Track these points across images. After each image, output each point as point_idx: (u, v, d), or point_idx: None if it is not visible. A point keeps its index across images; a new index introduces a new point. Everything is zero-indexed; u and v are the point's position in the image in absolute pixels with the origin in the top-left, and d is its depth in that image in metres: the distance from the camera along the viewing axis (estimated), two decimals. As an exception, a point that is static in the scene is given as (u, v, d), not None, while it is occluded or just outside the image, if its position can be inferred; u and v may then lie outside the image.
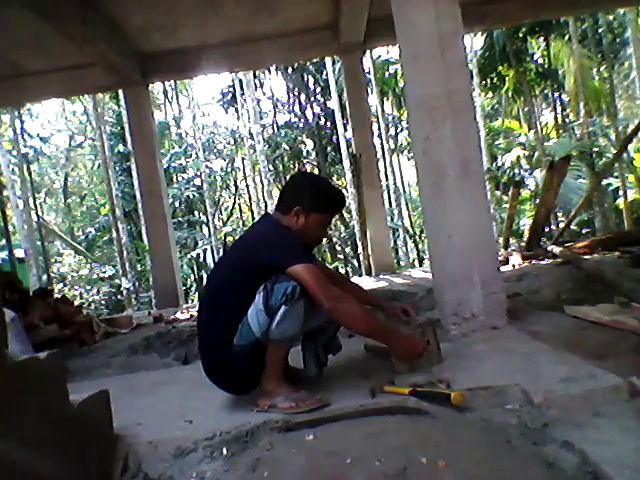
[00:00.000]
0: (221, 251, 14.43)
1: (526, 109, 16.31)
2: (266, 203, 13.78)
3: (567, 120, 16.52)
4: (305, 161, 18.22)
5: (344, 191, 12.55)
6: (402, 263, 14.87)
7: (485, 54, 14.06)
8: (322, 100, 16.99)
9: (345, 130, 13.45)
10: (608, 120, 13.98)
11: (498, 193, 15.69)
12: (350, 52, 6.79)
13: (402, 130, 18.57)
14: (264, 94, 18.41)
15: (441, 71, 2.66)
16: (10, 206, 13.21)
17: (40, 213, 18.46)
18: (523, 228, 13.75)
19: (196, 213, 18.15)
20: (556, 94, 16.67)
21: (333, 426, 1.63)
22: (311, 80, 16.92)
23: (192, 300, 13.92)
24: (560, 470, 1.30)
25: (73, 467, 1.36)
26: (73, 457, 1.38)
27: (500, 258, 4.64)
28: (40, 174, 21.06)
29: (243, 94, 15.04)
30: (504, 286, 2.84)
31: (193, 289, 16.50)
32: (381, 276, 6.40)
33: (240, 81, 14.99)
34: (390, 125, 17.88)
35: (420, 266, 14.22)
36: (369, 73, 14.09)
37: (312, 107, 17.31)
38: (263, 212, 11.96)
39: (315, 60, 14.42)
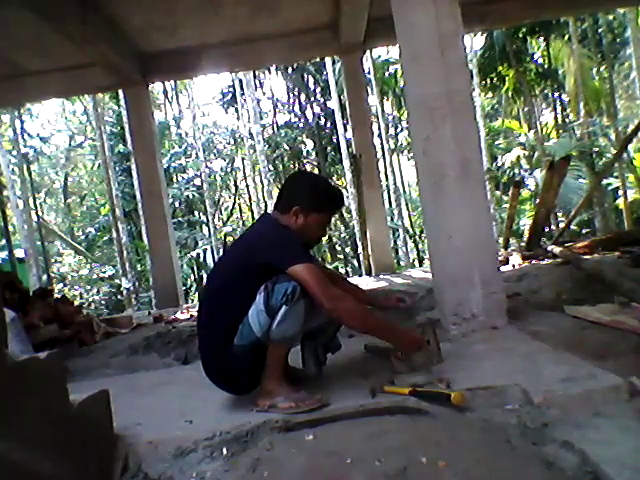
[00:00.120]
0: (221, 251, 14.42)
1: (526, 109, 16.32)
2: (266, 203, 13.78)
3: (567, 120, 16.52)
4: (305, 161, 18.21)
5: (344, 191, 12.56)
6: (402, 263, 14.87)
7: (485, 54, 14.05)
8: (322, 100, 16.99)
9: (345, 130, 13.45)
10: (608, 120, 13.98)
11: (498, 193, 15.70)
12: (350, 52, 6.78)
13: (402, 130, 18.57)
14: (264, 94, 18.45)
15: (441, 71, 2.66)
16: (10, 206, 13.20)
17: (40, 213, 18.46)
18: (523, 228, 13.76)
19: (196, 213, 18.16)
20: (556, 94, 16.68)
21: (333, 426, 1.63)
22: (311, 80, 16.92)
23: (192, 300, 13.92)
24: (560, 470, 1.30)
25: (73, 467, 1.35)
26: (73, 457, 1.38)
27: (500, 258, 4.64)
28: (40, 174, 21.05)
29: (243, 94, 15.04)
30: (504, 286, 2.84)
31: (193, 289, 16.50)
32: (381, 276, 6.40)
33: (240, 81, 14.98)
34: (390, 125, 17.88)
35: (420, 266, 14.22)
36: (369, 73, 14.08)
37: (312, 107, 17.32)
38: (263, 212, 11.95)
39: (315, 60, 14.41)
